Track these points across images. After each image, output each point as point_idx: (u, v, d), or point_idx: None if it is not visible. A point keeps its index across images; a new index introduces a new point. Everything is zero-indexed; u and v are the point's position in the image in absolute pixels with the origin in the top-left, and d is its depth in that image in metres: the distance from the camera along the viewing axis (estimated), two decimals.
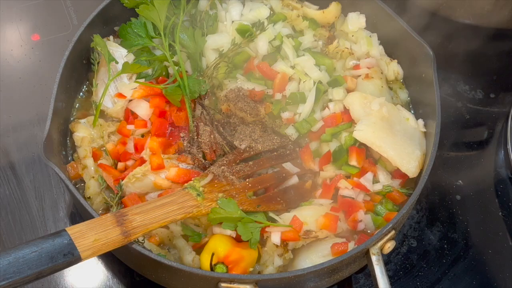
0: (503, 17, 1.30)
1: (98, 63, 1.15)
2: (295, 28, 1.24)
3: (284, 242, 1.00)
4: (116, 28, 1.20)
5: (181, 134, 1.10)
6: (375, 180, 1.08)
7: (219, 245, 0.97)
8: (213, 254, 0.96)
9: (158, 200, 0.96)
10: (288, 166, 1.09)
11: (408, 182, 1.08)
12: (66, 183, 0.96)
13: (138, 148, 1.08)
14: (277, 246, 1.00)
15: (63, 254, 0.81)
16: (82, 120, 1.12)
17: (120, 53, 1.14)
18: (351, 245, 1.00)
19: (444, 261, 1.12)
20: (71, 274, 1.09)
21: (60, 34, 1.35)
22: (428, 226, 1.15)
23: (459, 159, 1.24)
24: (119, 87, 1.12)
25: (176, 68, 1.12)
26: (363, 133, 1.06)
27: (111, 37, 1.18)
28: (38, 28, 1.36)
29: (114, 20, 1.19)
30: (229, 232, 0.99)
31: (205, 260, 0.97)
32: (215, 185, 1.01)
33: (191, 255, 1.00)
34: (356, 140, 1.08)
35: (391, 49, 1.22)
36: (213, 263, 0.96)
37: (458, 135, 1.27)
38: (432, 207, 1.18)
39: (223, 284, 0.90)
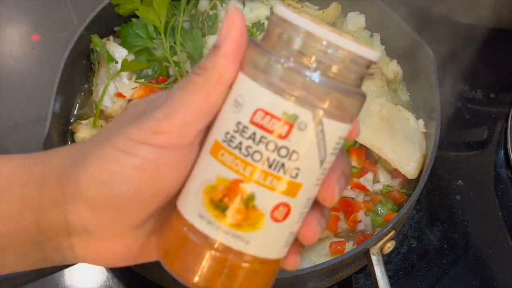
0: (503, 16, 1.30)
1: (98, 62, 1.15)
2: None
3: None
4: (116, 28, 1.20)
5: None
6: (375, 180, 1.08)
7: None
8: None
9: None
10: None
11: (408, 182, 1.08)
12: None
13: None
14: None
15: None
16: (84, 122, 1.12)
17: (120, 53, 1.14)
18: (349, 245, 1.00)
19: (444, 261, 1.12)
20: (71, 274, 1.09)
21: (60, 34, 1.35)
22: (428, 226, 1.15)
23: (459, 159, 1.24)
24: (119, 86, 1.12)
25: (176, 68, 1.13)
26: (363, 134, 1.06)
27: (111, 37, 1.18)
28: (38, 28, 1.36)
29: (114, 20, 1.19)
30: None
31: None
32: None
33: None
34: (356, 141, 1.08)
35: (390, 49, 1.22)
36: None
37: (458, 135, 1.27)
38: (432, 207, 1.18)
39: None
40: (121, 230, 0.52)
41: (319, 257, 0.99)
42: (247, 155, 0.46)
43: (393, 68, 1.19)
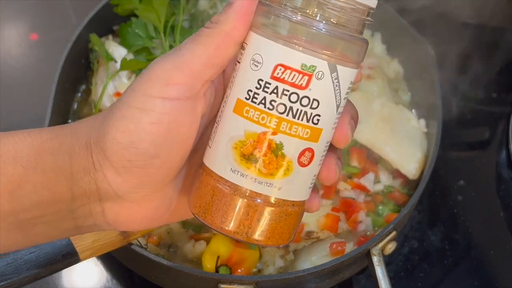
0: (504, 16, 1.30)
1: (97, 62, 1.15)
2: None
3: None
4: (115, 28, 1.19)
5: None
6: (376, 180, 1.07)
7: (221, 247, 0.96)
8: (218, 257, 0.95)
9: None
10: None
11: (410, 182, 1.07)
12: None
13: None
14: (278, 247, 0.99)
15: (61, 255, 0.80)
16: None
17: (120, 53, 1.14)
18: (350, 245, 0.99)
19: (445, 262, 1.11)
20: (70, 275, 1.08)
21: (59, 33, 1.34)
22: (429, 227, 1.15)
23: (460, 160, 1.23)
24: (118, 86, 1.12)
25: None
26: (363, 134, 1.06)
27: (110, 36, 1.18)
28: (36, 28, 1.35)
29: (114, 19, 1.18)
30: None
31: (207, 262, 0.96)
32: None
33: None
34: (357, 141, 1.08)
35: (391, 48, 1.21)
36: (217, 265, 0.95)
37: (460, 135, 1.26)
38: (434, 208, 1.17)
39: (222, 285, 0.89)
40: (149, 191, 0.54)
41: (320, 258, 0.98)
42: (272, 109, 0.50)
43: (394, 68, 1.19)
